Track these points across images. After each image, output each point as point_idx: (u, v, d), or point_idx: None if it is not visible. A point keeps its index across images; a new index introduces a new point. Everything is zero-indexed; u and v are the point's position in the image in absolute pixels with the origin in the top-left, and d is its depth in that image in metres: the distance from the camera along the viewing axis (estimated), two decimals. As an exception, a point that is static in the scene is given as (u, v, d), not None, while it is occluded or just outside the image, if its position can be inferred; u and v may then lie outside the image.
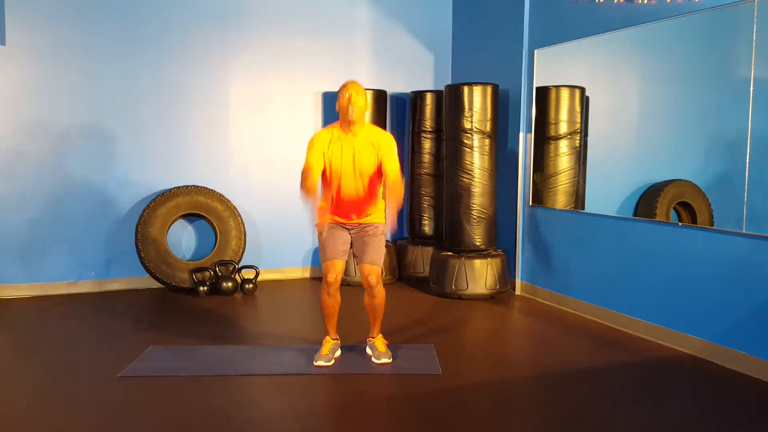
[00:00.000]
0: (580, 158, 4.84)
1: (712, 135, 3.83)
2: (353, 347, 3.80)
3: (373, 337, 3.68)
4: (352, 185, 3.44)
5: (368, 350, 3.70)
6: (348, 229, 3.56)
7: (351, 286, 5.39)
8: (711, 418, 2.95)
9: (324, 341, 3.64)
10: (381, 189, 3.58)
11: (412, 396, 3.14)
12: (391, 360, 3.58)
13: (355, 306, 4.37)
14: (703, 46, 3.85)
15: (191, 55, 5.43)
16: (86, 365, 3.55)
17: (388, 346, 3.68)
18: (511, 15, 5.32)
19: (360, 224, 3.55)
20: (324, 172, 3.45)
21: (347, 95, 3.34)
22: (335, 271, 3.51)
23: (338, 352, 3.67)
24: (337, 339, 3.68)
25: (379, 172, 3.47)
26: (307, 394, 3.18)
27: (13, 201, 5.00)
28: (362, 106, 3.36)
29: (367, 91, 5.33)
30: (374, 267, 3.52)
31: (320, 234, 3.57)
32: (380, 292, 3.58)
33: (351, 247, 3.60)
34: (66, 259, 5.17)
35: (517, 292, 5.32)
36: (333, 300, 3.58)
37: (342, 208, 3.51)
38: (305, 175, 3.36)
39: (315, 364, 3.53)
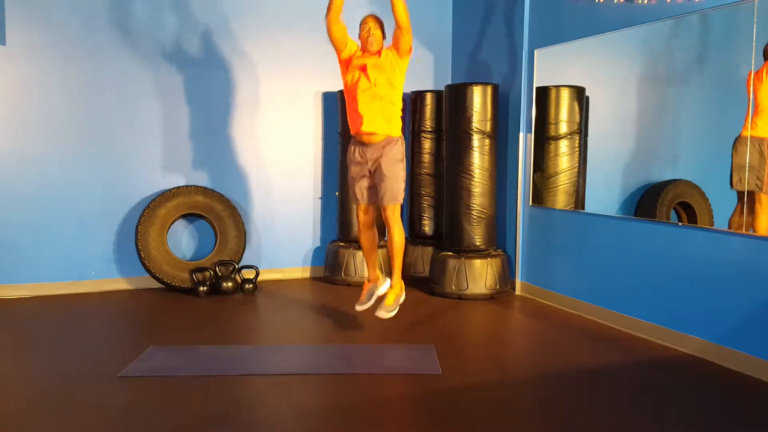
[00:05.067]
0: (580, 158, 4.84)
1: (712, 135, 3.83)
2: (354, 347, 3.81)
3: (388, 285, 4.03)
4: (374, 87, 3.82)
5: (372, 289, 3.99)
6: (366, 162, 3.88)
7: (351, 286, 5.40)
8: (711, 418, 2.95)
9: (363, 286, 4.06)
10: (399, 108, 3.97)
11: (412, 396, 3.14)
12: (387, 317, 3.88)
13: (354, 306, 4.37)
14: (703, 46, 3.85)
15: (191, 54, 5.43)
16: (86, 365, 3.54)
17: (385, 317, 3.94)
18: (511, 15, 5.32)
19: (376, 145, 3.85)
20: (345, 83, 3.90)
21: (366, 28, 3.82)
22: (363, 211, 4.05)
23: (382, 289, 3.99)
24: (376, 280, 4.03)
25: (401, 74, 3.94)
26: (308, 394, 3.18)
27: (14, 201, 4.99)
28: (379, 38, 3.83)
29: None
30: (391, 204, 3.91)
31: (349, 163, 3.98)
32: (398, 226, 3.93)
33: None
34: (66, 259, 5.17)
35: (517, 292, 5.32)
36: (365, 236, 4.05)
37: (359, 115, 3.82)
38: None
39: (356, 309, 3.95)
